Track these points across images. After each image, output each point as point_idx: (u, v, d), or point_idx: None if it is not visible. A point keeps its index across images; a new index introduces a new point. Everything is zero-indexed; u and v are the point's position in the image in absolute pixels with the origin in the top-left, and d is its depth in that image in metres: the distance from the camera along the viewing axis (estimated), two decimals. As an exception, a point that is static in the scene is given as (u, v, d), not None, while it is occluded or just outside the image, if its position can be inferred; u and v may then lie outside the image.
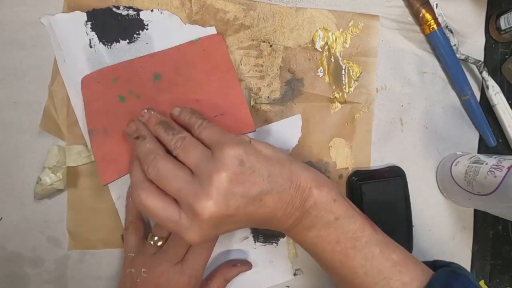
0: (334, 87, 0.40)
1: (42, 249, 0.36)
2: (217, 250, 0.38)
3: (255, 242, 0.39)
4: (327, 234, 0.29)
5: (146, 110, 0.33)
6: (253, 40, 0.39)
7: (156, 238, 0.34)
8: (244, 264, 0.38)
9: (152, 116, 0.32)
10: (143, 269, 0.32)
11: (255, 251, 0.39)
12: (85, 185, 0.37)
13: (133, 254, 0.34)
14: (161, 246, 0.34)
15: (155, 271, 0.32)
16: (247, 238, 0.39)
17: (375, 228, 0.30)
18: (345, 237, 0.29)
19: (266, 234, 0.39)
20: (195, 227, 0.26)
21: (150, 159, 0.28)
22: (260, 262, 0.39)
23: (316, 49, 0.40)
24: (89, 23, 0.36)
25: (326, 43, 0.40)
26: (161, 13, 0.37)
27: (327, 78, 0.40)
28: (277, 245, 0.39)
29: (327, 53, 0.40)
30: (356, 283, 0.29)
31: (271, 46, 0.39)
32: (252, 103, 0.38)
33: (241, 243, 0.39)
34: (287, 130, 0.39)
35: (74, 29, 0.36)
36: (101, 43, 0.36)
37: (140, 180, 0.29)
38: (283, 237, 0.39)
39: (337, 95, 0.40)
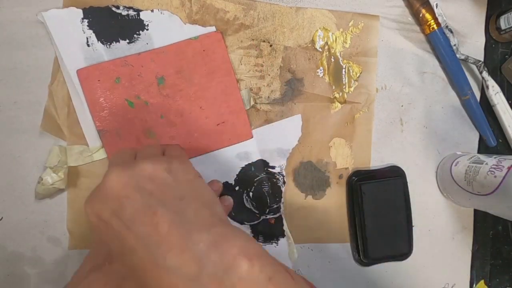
0: (334, 87, 0.40)
1: (42, 249, 0.36)
2: None
3: None
4: None
5: None
6: (253, 40, 0.39)
7: None
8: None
9: None
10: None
11: None
12: (85, 185, 0.37)
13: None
14: None
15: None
16: None
17: None
18: None
19: (266, 234, 0.39)
20: (93, 193, 0.25)
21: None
22: None
23: (316, 49, 0.40)
24: (86, 20, 0.36)
25: (326, 43, 0.40)
26: (161, 13, 0.37)
27: (327, 78, 0.40)
28: (277, 245, 0.39)
29: (327, 53, 0.40)
30: None
31: (271, 46, 0.39)
32: (252, 103, 0.38)
33: None
34: (287, 130, 0.39)
35: (70, 26, 0.35)
36: (99, 42, 0.36)
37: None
38: (283, 237, 0.39)
39: (337, 95, 0.40)
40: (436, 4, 0.40)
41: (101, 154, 0.36)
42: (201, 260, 0.21)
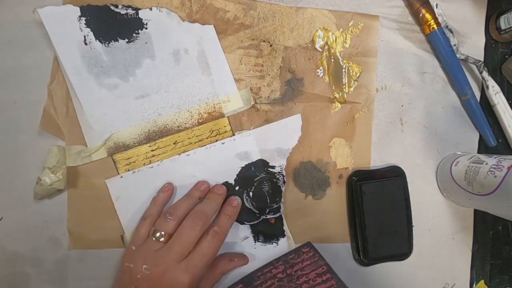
0: (334, 87, 0.40)
1: (42, 249, 0.36)
2: None
3: (255, 242, 0.39)
4: None
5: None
6: (253, 39, 0.39)
7: (158, 234, 0.33)
8: (241, 259, 0.38)
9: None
10: (144, 266, 0.32)
11: (255, 251, 0.39)
12: (85, 185, 0.37)
13: (134, 248, 0.34)
14: (165, 242, 0.33)
15: (158, 268, 0.32)
16: (247, 238, 0.39)
17: None
18: None
19: (266, 234, 0.39)
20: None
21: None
22: (260, 262, 0.39)
23: (316, 49, 0.40)
24: (83, 18, 0.35)
25: (326, 43, 0.40)
26: (159, 11, 0.37)
27: (327, 78, 0.40)
28: (277, 244, 0.39)
29: (327, 53, 0.40)
30: None
31: (271, 45, 0.39)
32: (252, 102, 0.38)
33: (242, 243, 0.39)
34: (287, 129, 0.39)
35: (66, 24, 0.35)
36: (97, 40, 0.36)
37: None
38: (283, 237, 0.39)
39: (337, 95, 0.40)
40: (436, 4, 0.40)
41: (99, 154, 0.36)
42: None
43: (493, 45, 0.43)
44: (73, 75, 0.35)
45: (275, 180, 0.39)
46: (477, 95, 0.43)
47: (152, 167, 0.37)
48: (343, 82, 0.40)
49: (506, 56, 0.43)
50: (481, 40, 0.43)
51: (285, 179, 0.39)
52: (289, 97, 0.39)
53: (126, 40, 0.36)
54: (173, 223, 0.34)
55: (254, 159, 0.39)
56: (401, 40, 0.41)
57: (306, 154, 0.40)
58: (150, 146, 0.37)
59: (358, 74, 0.40)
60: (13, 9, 0.35)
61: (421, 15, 0.40)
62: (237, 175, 0.38)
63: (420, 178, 0.41)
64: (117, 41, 0.36)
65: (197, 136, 0.38)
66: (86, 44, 0.36)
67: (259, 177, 0.39)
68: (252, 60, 0.39)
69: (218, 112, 0.38)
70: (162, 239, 0.33)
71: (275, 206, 0.39)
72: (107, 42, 0.36)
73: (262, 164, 0.39)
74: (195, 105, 0.38)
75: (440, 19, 0.40)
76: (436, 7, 0.40)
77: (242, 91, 0.38)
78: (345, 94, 0.40)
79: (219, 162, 0.38)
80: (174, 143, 0.38)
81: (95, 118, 0.36)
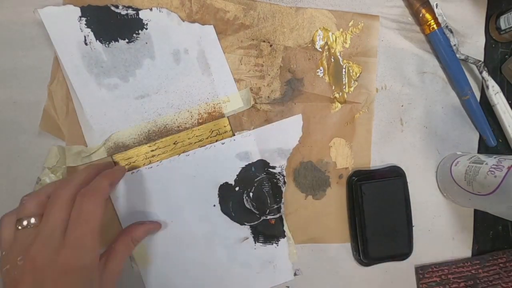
0: (334, 87, 0.40)
1: (42, 249, 0.36)
2: (218, 249, 0.38)
3: (255, 243, 0.39)
4: None
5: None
6: (253, 39, 0.39)
7: (25, 221, 0.29)
8: (151, 223, 0.36)
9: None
10: (18, 258, 0.27)
11: (255, 252, 0.39)
12: (85, 185, 0.37)
13: (4, 252, 0.28)
14: (36, 226, 0.29)
15: (29, 253, 0.27)
16: (247, 238, 0.39)
17: None
18: None
19: (266, 235, 0.39)
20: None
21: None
22: (261, 263, 0.39)
23: (316, 49, 0.40)
24: (84, 18, 0.35)
25: (326, 43, 0.40)
26: (159, 11, 0.37)
27: (327, 78, 0.40)
28: (277, 245, 0.39)
29: (327, 53, 0.40)
30: None
31: (271, 46, 0.39)
32: (252, 102, 0.38)
33: (241, 244, 0.39)
34: (288, 129, 0.39)
35: (67, 24, 0.35)
36: (98, 41, 0.36)
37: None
38: (283, 238, 0.39)
39: (337, 95, 0.40)
40: (436, 4, 0.40)
41: (99, 155, 0.36)
42: None
43: (493, 45, 0.43)
44: (73, 75, 0.35)
45: (275, 180, 0.39)
46: (477, 95, 0.43)
47: (151, 167, 0.37)
48: (343, 82, 0.40)
49: (506, 56, 0.43)
50: (481, 40, 0.43)
51: (285, 180, 0.39)
52: (289, 97, 0.39)
53: (127, 40, 0.36)
54: (34, 202, 0.29)
55: (254, 160, 0.38)
56: (401, 40, 0.41)
57: (306, 154, 0.40)
58: (150, 146, 0.37)
59: (358, 74, 0.40)
60: (13, 9, 0.35)
61: (421, 15, 0.40)
62: (237, 175, 0.38)
63: (420, 178, 0.41)
64: (117, 41, 0.36)
65: (197, 136, 0.38)
66: (86, 44, 0.36)
67: (259, 178, 0.39)
68: (252, 60, 0.39)
69: (218, 112, 0.38)
70: (32, 222, 0.29)
71: (275, 206, 0.39)
72: (107, 43, 0.36)
73: (262, 165, 0.39)
74: (195, 105, 0.38)
75: (440, 19, 0.40)
76: (436, 7, 0.40)
77: (242, 91, 0.38)
78: (345, 94, 0.40)
79: (218, 162, 0.38)
80: (174, 143, 0.38)
81: (95, 118, 0.36)
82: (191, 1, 0.37)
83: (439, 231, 0.42)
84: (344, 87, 0.40)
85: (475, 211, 0.42)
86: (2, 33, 0.35)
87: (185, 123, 0.38)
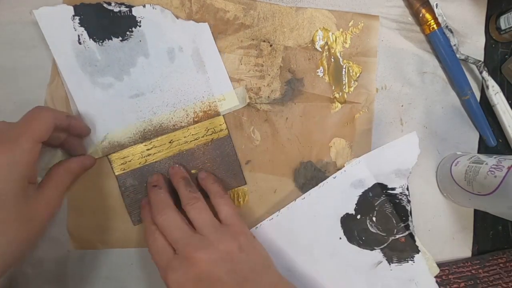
0: (334, 87, 0.40)
1: (42, 249, 0.36)
2: (354, 279, 0.38)
3: (389, 264, 0.38)
4: None
5: (177, 165, 0.37)
6: (253, 39, 0.39)
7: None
8: (86, 157, 0.36)
9: (180, 171, 0.37)
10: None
11: (393, 273, 0.38)
12: (85, 185, 0.37)
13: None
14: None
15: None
16: (381, 262, 0.38)
17: None
18: None
19: (399, 254, 0.38)
20: (180, 271, 0.29)
21: (161, 207, 0.32)
22: (401, 283, 0.38)
23: (316, 49, 0.40)
24: (77, 17, 0.35)
25: (326, 43, 0.40)
26: (153, 8, 0.36)
27: (327, 78, 0.40)
28: (414, 262, 0.38)
29: (327, 53, 0.40)
30: None
31: (271, 45, 0.39)
32: (248, 101, 0.38)
33: (376, 269, 0.38)
34: (402, 149, 0.38)
35: (61, 24, 0.35)
36: (91, 39, 0.36)
37: (148, 222, 0.33)
38: (418, 253, 0.38)
39: (337, 95, 0.40)
40: (436, 4, 0.40)
41: (94, 154, 0.36)
42: None
43: (493, 45, 0.43)
44: (68, 74, 0.35)
45: (397, 201, 0.39)
46: (477, 95, 0.43)
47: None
48: (343, 82, 0.40)
49: (506, 56, 0.43)
50: (481, 40, 0.43)
51: (409, 198, 0.39)
52: (289, 97, 0.39)
53: (120, 38, 0.36)
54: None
55: (370, 185, 0.38)
56: (401, 40, 0.41)
57: (306, 154, 0.40)
58: (145, 145, 0.37)
59: (358, 74, 0.40)
60: (13, 9, 0.35)
61: (421, 15, 0.40)
62: (355, 204, 0.38)
63: (420, 178, 0.41)
64: (111, 39, 0.36)
65: (193, 134, 0.38)
66: (80, 43, 0.35)
67: (379, 201, 0.38)
68: (252, 60, 0.39)
69: (214, 111, 0.38)
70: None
71: (403, 225, 0.38)
72: (101, 41, 0.36)
73: (379, 188, 0.38)
74: (190, 104, 0.38)
75: (440, 19, 0.40)
76: (436, 7, 0.40)
77: (238, 89, 0.38)
78: (345, 94, 0.40)
79: (334, 196, 0.38)
80: (170, 142, 0.38)
81: (90, 117, 0.36)
82: (191, 1, 0.37)
83: (439, 231, 0.42)
84: (344, 87, 0.40)
85: (475, 211, 0.42)
86: (2, 33, 0.35)
87: (181, 122, 0.38)
